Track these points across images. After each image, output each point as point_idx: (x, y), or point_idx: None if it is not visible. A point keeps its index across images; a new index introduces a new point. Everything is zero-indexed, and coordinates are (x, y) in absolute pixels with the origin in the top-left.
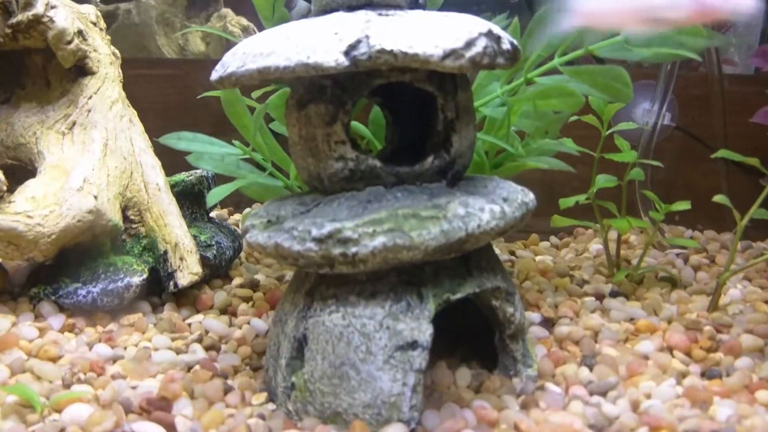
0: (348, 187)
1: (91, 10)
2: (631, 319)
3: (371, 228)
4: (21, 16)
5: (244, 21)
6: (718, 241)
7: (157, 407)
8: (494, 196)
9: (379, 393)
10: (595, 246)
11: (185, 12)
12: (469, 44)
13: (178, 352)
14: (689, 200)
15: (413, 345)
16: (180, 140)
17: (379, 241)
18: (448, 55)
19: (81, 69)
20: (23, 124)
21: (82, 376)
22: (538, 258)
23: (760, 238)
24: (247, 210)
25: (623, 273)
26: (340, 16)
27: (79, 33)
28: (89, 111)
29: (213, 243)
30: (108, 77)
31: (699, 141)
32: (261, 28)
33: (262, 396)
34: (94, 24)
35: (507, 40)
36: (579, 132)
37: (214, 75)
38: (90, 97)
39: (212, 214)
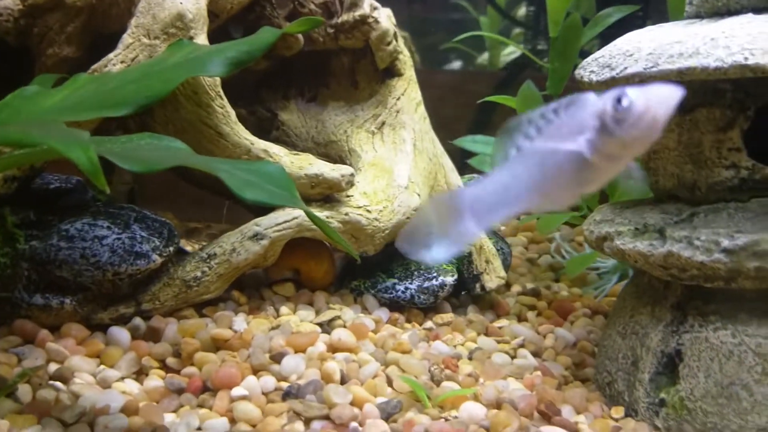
0: (728, 197)
1: (390, 12)
2: None
3: None
4: (347, 16)
5: (400, 30)
6: None
7: (554, 412)
8: None
9: None
10: None
11: None
12: None
13: (511, 356)
14: None
15: None
16: (475, 143)
17: None
18: None
19: (389, 71)
20: (333, 122)
21: (445, 371)
22: None
23: None
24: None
25: None
26: (753, 18)
27: (395, 35)
28: (398, 112)
29: (500, 249)
30: (412, 79)
31: None
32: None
33: (620, 410)
34: (395, 25)
35: None
36: None
37: (600, 75)
38: (398, 99)
39: None
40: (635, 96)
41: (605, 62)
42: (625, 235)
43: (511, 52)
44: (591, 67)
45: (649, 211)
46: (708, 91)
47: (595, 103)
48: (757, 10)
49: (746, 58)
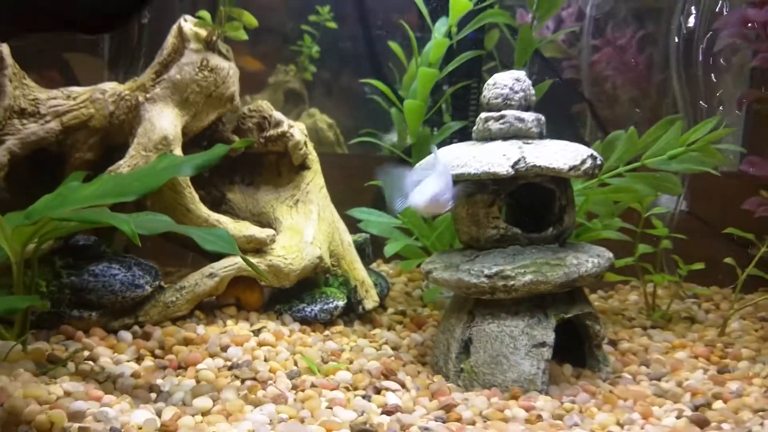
0: (496, 245)
1: (303, 127)
2: (667, 342)
3: (522, 269)
4: (273, 131)
5: (328, 118)
6: (720, 293)
7: (391, 374)
8: (591, 253)
9: (522, 373)
10: (633, 297)
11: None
12: (583, 162)
13: (377, 350)
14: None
15: (543, 344)
16: (362, 213)
17: (528, 278)
18: (571, 168)
19: (302, 165)
20: (264, 199)
21: (332, 357)
22: (595, 303)
23: (749, 291)
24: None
25: (659, 314)
26: (500, 143)
27: (305, 143)
28: (308, 193)
29: (377, 283)
30: (317, 171)
31: (704, 222)
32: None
33: (439, 377)
34: (306, 135)
35: (600, 159)
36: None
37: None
38: (308, 184)
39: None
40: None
41: (422, 168)
42: (439, 269)
43: None
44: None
45: (455, 255)
46: (479, 184)
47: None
48: (504, 138)
49: (489, 169)
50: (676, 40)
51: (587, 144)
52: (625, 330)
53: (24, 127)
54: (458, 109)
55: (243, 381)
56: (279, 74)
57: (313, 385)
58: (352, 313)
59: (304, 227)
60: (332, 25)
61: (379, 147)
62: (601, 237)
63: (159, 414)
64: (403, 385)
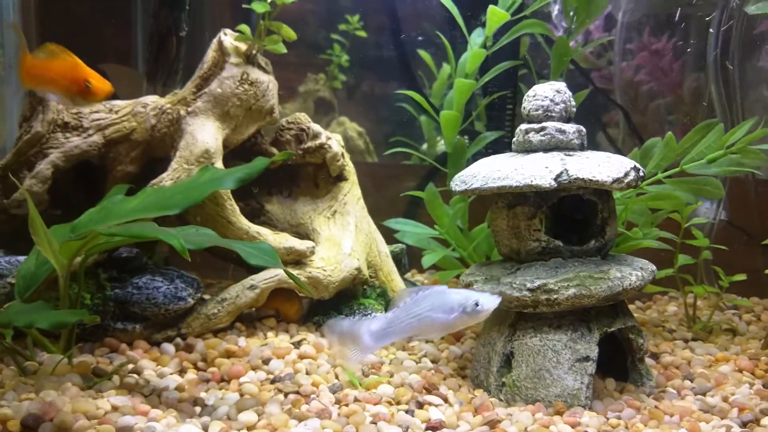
0: (538, 258)
1: (340, 138)
2: (710, 355)
3: (566, 283)
4: (311, 143)
5: (358, 127)
6: (760, 304)
7: (433, 388)
8: (634, 266)
9: (565, 388)
10: (672, 308)
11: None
12: (626, 174)
13: (416, 362)
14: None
15: (587, 358)
16: (398, 224)
17: (571, 291)
18: (614, 181)
19: (339, 177)
20: (302, 210)
21: (372, 370)
22: (635, 315)
23: None
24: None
25: (699, 325)
26: (541, 155)
27: (342, 155)
28: (345, 204)
29: None
30: (354, 182)
31: (744, 232)
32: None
33: (480, 391)
34: (343, 147)
35: (642, 171)
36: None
37: (459, 187)
38: (345, 195)
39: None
40: (483, 301)
41: (462, 180)
42: (479, 282)
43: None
44: (456, 182)
45: (495, 267)
46: (521, 196)
47: (456, 298)
48: (545, 150)
49: (531, 181)
50: (715, 49)
51: (621, 152)
52: (666, 342)
53: (67, 141)
54: (493, 119)
55: (286, 395)
56: (309, 83)
57: (356, 399)
58: None
59: (342, 238)
60: (362, 33)
61: (409, 155)
62: (641, 246)
63: (206, 429)
64: (445, 400)
